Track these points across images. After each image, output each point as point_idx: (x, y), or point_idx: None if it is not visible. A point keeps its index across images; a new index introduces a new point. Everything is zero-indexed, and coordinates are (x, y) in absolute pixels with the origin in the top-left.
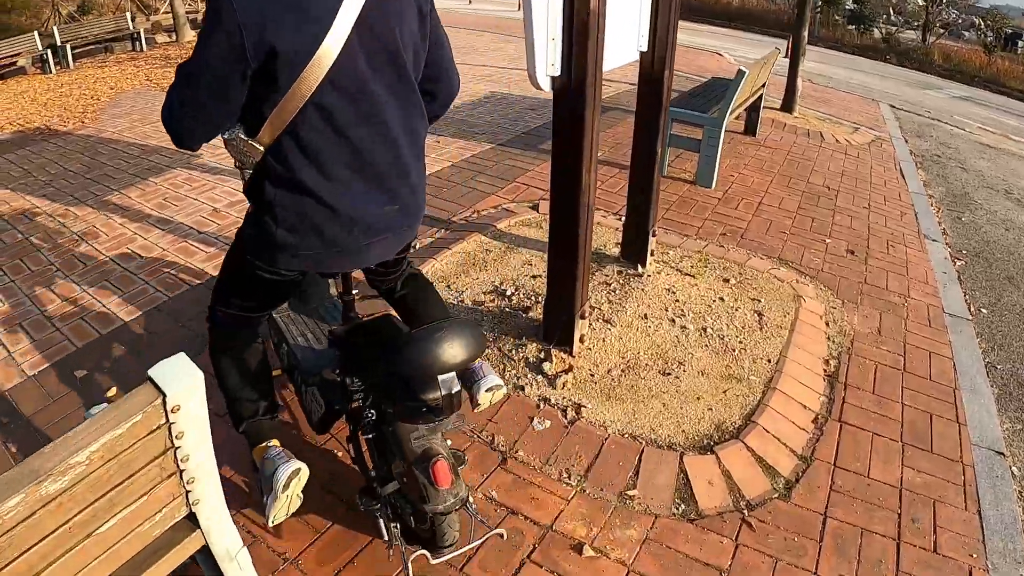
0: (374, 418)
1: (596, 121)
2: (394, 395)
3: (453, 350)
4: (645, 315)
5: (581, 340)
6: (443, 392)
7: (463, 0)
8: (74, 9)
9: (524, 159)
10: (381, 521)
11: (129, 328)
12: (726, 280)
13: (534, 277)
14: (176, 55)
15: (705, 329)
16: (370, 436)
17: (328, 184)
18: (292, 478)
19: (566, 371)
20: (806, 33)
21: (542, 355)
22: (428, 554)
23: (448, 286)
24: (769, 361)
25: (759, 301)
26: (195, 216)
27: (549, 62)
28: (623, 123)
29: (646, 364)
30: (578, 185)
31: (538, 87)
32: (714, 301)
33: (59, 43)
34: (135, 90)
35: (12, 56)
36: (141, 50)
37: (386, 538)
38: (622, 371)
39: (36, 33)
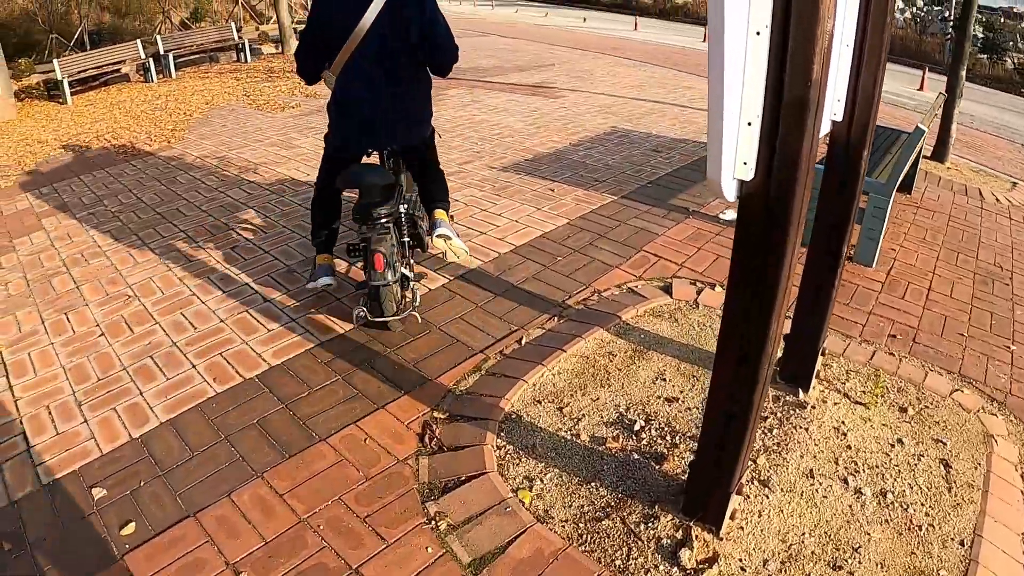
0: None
1: (798, 239)
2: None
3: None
4: (811, 471)
5: (732, 516)
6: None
7: (578, 18)
8: (186, 15)
9: (651, 218)
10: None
11: (150, 448)
12: (903, 410)
13: (669, 401)
14: (280, 68)
15: (884, 493)
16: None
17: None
18: (326, 280)
19: (709, 562)
20: (964, 72)
21: (679, 534)
22: (366, 309)
23: (560, 409)
24: (962, 544)
25: (943, 444)
26: (263, 275)
27: (740, 159)
28: None
29: (812, 552)
30: (764, 334)
31: (721, 195)
32: (892, 446)
33: (162, 52)
34: (229, 106)
35: (116, 63)
36: (245, 61)
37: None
38: (782, 563)
39: (139, 41)
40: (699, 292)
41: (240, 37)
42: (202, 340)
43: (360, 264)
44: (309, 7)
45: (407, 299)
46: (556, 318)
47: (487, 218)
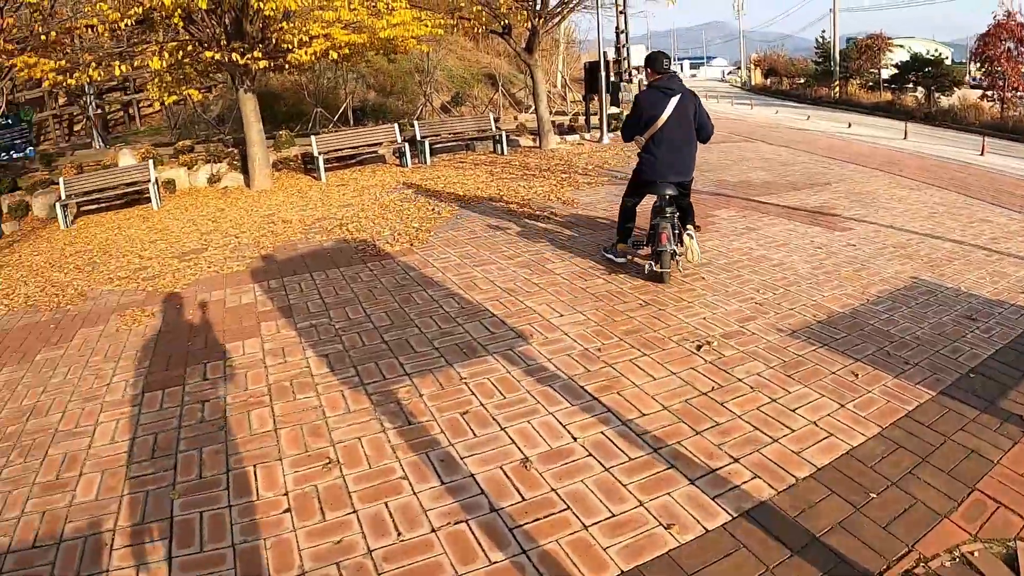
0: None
1: None
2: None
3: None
4: None
5: None
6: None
7: (842, 123)
8: (447, 99)
9: (981, 432)
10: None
11: None
12: None
13: None
14: (536, 165)
15: None
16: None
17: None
18: (622, 259)
19: None
20: None
21: None
22: (654, 262)
23: None
24: None
25: None
26: (492, 469)
27: None
28: None
29: None
30: None
31: None
32: None
33: (419, 137)
34: (480, 206)
35: (373, 145)
36: (502, 153)
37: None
38: None
39: (396, 126)
40: None
41: (498, 128)
42: (404, 558)
43: (642, 251)
44: (631, 106)
45: (675, 262)
46: None
47: (778, 414)
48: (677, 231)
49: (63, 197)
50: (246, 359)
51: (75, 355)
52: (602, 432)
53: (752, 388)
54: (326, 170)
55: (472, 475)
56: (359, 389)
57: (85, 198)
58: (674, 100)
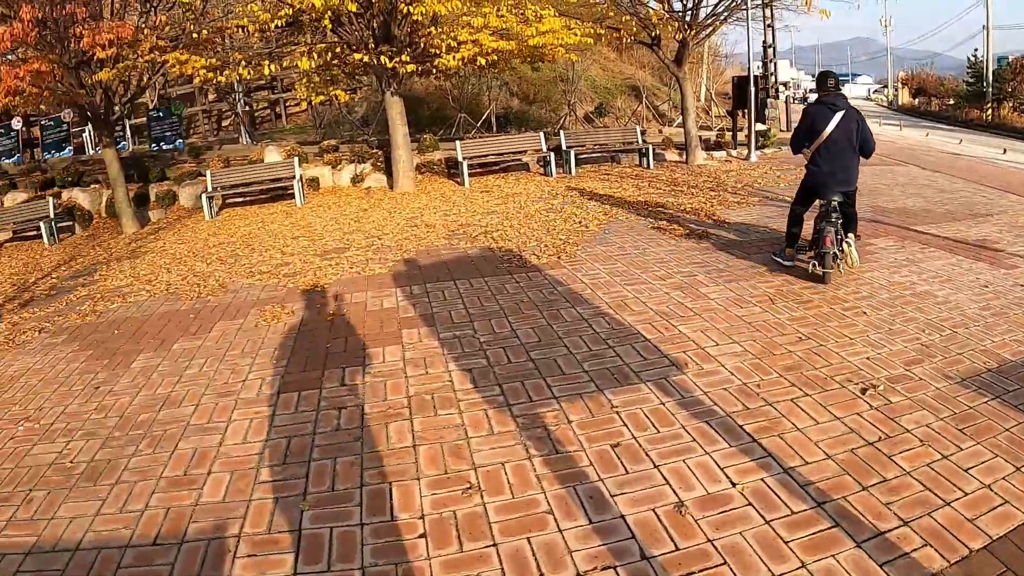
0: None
1: None
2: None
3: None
4: None
5: None
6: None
7: (996, 148)
8: (591, 109)
9: None
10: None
11: None
12: None
13: None
14: (684, 181)
15: None
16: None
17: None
18: (786, 262)
19: None
20: None
21: None
22: (817, 263)
23: None
24: None
25: None
26: (644, 511)
27: None
28: None
29: None
30: None
31: None
32: None
33: (564, 147)
34: (628, 221)
35: (517, 152)
36: (648, 167)
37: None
38: None
39: (542, 134)
40: None
41: (644, 141)
42: None
43: (807, 254)
44: (799, 120)
45: (836, 264)
46: None
47: (950, 473)
48: (840, 236)
49: (209, 189)
50: (386, 367)
51: (212, 347)
52: (762, 479)
53: (921, 441)
54: (469, 175)
55: (622, 516)
56: (504, 409)
57: (230, 191)
58: (838, 115)
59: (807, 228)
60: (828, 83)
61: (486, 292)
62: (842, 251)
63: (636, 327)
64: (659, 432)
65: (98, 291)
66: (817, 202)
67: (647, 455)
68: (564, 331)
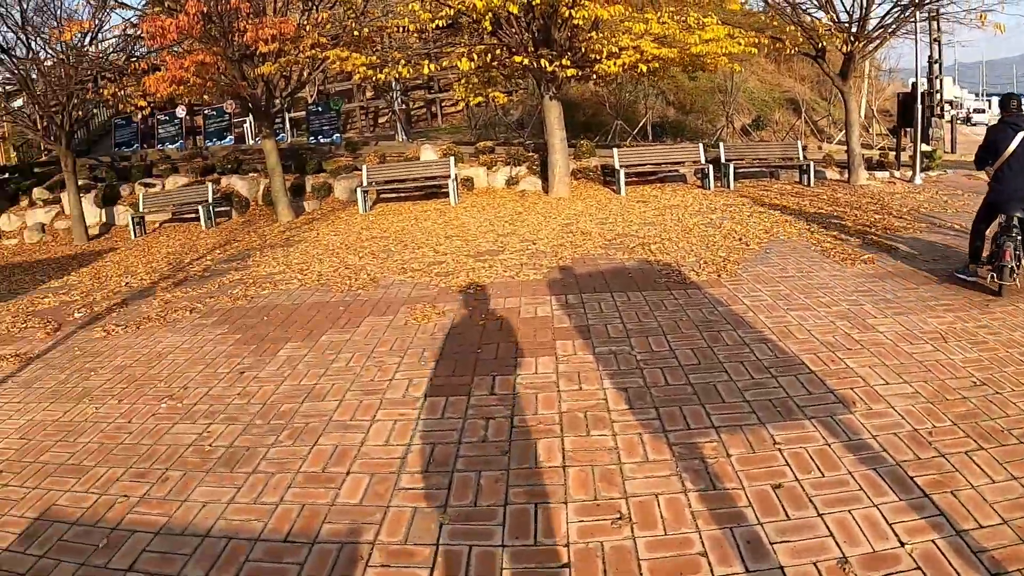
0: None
1: None
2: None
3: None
4: None
5: None
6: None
7: None
8: (748, 122)
9: None
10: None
11: None
12: None
13: None
14: (846, 200)
15: None
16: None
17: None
18: (969, 277)
19: None
20: None
21: None
22: (995, 275)
23: None
24: None
25: None
26: (805, 564)
27: None
28: None
29: None
30: None
31: None
32: None
33: (723, 160)
34: (791, 241)
35: (674, 163)
36: (808, 184)
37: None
38: None
39: (701, 146)
40: None
41: (805, 158)
42: None
43: (984, 268)
44: (985, 139)
45: (1014, 278)
46: None
47: None
48: (1019, 252)
49: (365, 183)
50: (538, 379)
51: (360, 342)
52: (933, 541)
53: None
54: (627, 184)
55: (781, 567)
56: (659, 436)
57: (385, 186)
58: (1021, 135)
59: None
60: (1011, 104)
61: (643, 307)
62: (1020, 265)
63: (800, 357)
64: (824, 476)
65: (250, 276)
66: (999, 218)
67: (810, 501)
68: (725, 355)
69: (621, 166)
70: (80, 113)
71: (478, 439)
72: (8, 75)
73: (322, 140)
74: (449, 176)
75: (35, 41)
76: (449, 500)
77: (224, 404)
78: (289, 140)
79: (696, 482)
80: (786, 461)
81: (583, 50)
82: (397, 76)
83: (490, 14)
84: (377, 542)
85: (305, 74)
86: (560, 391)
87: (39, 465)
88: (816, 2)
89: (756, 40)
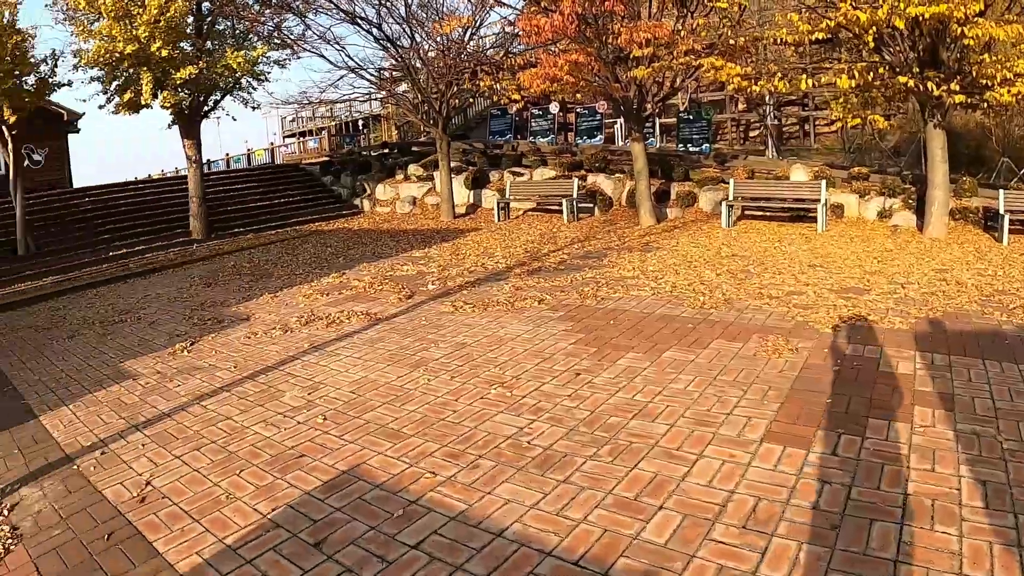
0: None
1: None
2: None
3: None
4: None
5: None
6: None
7: None
8: None
9: None
10: None
11: None
12: None
13: None
14: None
15: None
16: None
17: None
18: None
19: None
20: None
21: None
22: None
23: None
24: None
25: None
26: None
27: None
28: None
29: None
30: None
31: None
32: None
33: (1000, 211)
34: None
35: None
36: None
37: None
38: None
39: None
40: None
41: None
42: None
43: None
44: None
45: None
46: None
47: None
48: None
49: (730, 197)
50: (888, 447)
51: (704, 366)
52: None
53: None
54: (1010, 231)
55: None
56: (1012, 551)
57: (750, 202)
58: None
59: None
60: None
61: (1019, 383)
62: None
63: None
64: None
65: (603, 276)
66: None
67: None
68: None
69: (1007, 211)
70: (457, 101)
71: (807, 504)
72: (393, 62)
73: (691, 148)
74: (818, 200)
75: (418, 33)
76: (760, 568)
77: (553, 403)
78: (658, 145)
79: None
80: None
81: (973, 74)
82: (772, 89)
83: (873, 28)
84: None
85: (678, 81)
86: (910, 468)
87: (361, 422)
88: None
89: None
